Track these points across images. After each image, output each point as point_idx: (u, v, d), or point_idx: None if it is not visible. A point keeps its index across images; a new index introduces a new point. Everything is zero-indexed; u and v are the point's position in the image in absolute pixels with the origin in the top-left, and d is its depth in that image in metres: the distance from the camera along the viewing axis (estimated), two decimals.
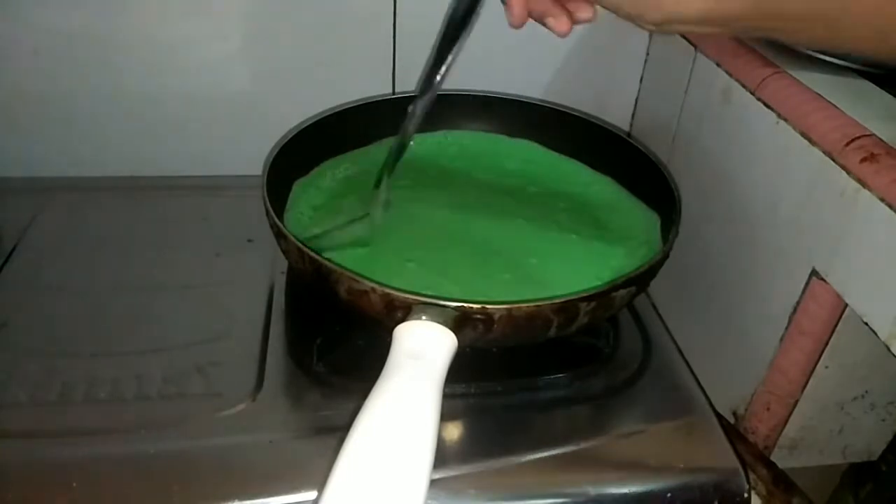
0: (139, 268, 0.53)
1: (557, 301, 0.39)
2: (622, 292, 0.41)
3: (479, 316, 0.38)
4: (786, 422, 0.52)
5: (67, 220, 0.58)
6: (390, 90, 0.65)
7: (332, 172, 0.57)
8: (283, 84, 0.63)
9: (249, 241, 0.56)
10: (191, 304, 0.50)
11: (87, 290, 0.51)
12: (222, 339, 0.47)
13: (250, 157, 0.54)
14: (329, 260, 0.41)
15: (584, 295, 0.39)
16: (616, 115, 0.70)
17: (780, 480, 0.51)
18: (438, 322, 0.36)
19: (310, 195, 0.54)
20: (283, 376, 0.45)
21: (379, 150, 0.60)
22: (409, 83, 0.64)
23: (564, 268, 0.48)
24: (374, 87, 0.63)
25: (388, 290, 0.38)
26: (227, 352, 0.46)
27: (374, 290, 0.39)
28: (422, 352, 0.35)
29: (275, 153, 0.51)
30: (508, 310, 0.38)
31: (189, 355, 0.45)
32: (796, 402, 0.51)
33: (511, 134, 0.62)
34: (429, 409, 0.32)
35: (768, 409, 0.52)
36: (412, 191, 0.56)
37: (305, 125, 0.55)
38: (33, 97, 0.60)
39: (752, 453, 0.53)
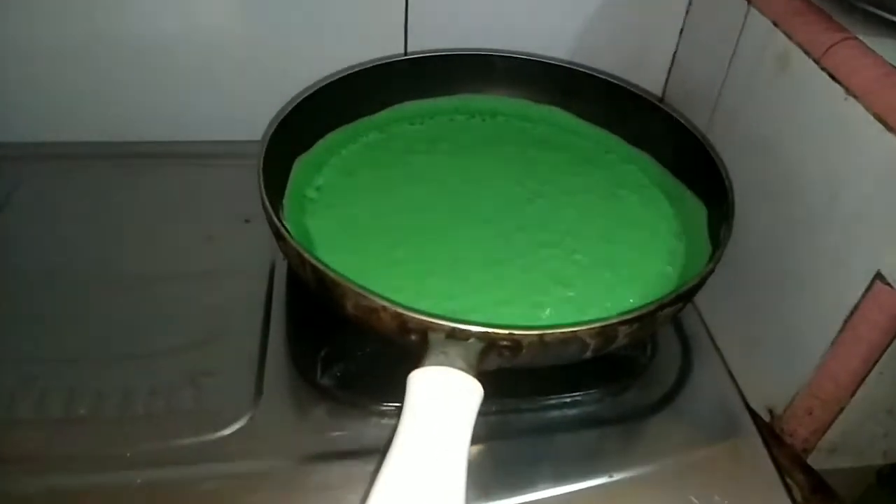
0: (121, 256, 0.49)
1: (595, 326, 0.34)
2: (668, 310, 0.37)
3: (505, 343, 0.33)
4: (828, 427, 0.49)
5: (42, 199, 0.53)
6: (402, 50, 0.59)
7: (339, 146, 0.51)
8: (283, 40, 0.57)
9: (247, 221, 0.51)
10: (179, 299, 0.46)
11: (64, 285, 0.46)
12: (215, 342, 0.43)
13: (248, 120, 0.49)
14: (334, 271, 0.36)
15: (626, 318, 0.34)
16: (648, 75, 0.64)
17: (818, 489, 0.49)
18: (460, 368, 0.32)
19: (313, 174, 0.49)
20: (283, 384, 0.41)
21: (390, 118, 0.54)
22: (422, 42, 0.58)
23: (590, 269, 0.44)
24: (384, 46, 0.58)
25: (399, 311, 0.34)
26: (221, 358, 0.42)
27: (384, 308, 0.34)
28: (444, 413, 0.30)
29: (274, 127, 0.46)
30: (539, 336, 0.33)
31: (178, 363, 0.41)
32: (843, 408, 0.47)
33: (536, 100, 0.56)
34: (456, 478, 0.28)
35: (811, 413, 0.48)
36: (427, 159, 0.51)
37: (307, 94, 0.49)
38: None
39: (788, 457, 0.50)
